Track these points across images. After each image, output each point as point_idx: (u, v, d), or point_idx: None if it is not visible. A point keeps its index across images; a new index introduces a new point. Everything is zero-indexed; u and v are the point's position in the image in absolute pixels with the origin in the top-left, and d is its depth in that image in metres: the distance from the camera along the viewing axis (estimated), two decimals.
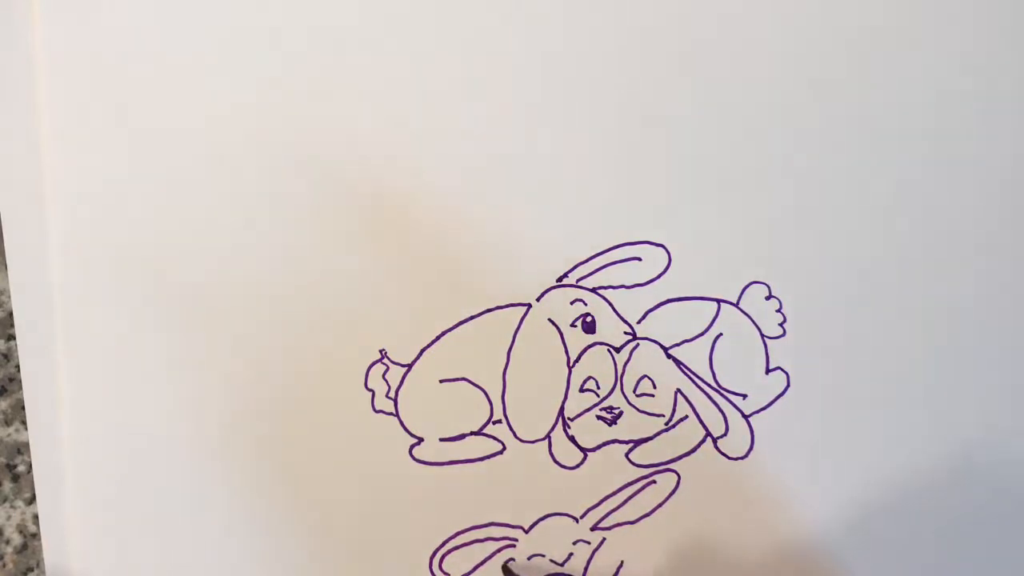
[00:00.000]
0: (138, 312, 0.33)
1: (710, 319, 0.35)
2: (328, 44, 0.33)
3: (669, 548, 0.35)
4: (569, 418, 0.34)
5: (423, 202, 0.34)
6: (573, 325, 0.34)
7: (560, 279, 0.34)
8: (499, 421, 0.34)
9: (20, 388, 0.34)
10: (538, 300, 0.34)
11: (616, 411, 0.34)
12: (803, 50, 0.35)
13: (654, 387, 0.35)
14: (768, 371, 0.35)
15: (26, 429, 0.34)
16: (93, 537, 0.34)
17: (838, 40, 0.35)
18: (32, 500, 0.34)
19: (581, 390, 0.34)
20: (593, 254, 0.34)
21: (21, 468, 0.35)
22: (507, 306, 0.34)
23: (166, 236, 0.33)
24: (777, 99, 0.35)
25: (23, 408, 0.34)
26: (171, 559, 0.34)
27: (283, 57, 0.33)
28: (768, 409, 0.35)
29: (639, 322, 0.34)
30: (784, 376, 0.35)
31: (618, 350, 0.34)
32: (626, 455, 0.35)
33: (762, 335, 0.35)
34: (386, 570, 0.34)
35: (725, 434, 0.35)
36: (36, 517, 0.34)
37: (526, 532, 0.35)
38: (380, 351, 0.34)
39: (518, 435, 0.34)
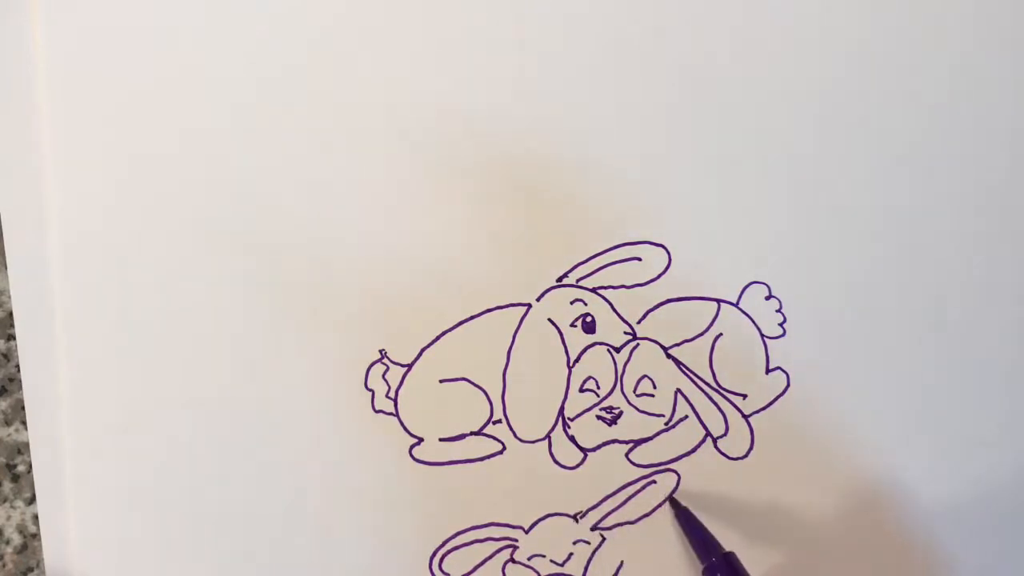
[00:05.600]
0: (138, 312, 0.33)
1: (710, 319, 0.35)
2: (329, 43, 0.33)
3: (669, 548, 0.35)
4: (569, 418, 0.34)
5: (422, 202, 0.34)
6: (573, 325, 0.34)
7: (560, 279, 0.34)
8: (499, 421, 0.34)
9: (20, 388, 0.34)
10: (538, 300, 0.34)
11: (616, 411, 0.34)
12: (803, 51, 0.35)
13: (654, 387, 0.35)
14: (768, 371, 0.35)
15: (26, 429, 0.34)
16: (93, 537, 0.34)
17: (838, 42, 0.35)
18: (32, 500, 0.34)
19: (581, 390, 0.34)
20: (593, 254, 0.34)
21: (21, 468, 0.35)
22: (507, 306, 0.34)
23: (166, 237, 0.33)
24: (777, 100, 0.35)
25: (23, 408, 0.34)
26: (171, 559, 0.34)
27: (284, 57, 0.33)
28: (768, 409, 0.35)
29: (639, 322, 0.34)
30: (784, 376, 0.35)
31: (618, 350, 0.34)
32: (626, 455, 0.35)
33: (762, 335, 0.35)
34: (386, 570, 0.34)
35: (725, 434, 0.35)
36: (36, 517, 0.34)
37: (526, 532, 0.35)
38: (380, 351, 0.34)
39: (518, 435, 0.34)
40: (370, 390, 0.34)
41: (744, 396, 0.35)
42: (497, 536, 0.34)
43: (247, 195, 0.33)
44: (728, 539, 0.35)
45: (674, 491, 0.35)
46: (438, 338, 0.34)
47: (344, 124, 0.33)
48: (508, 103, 0.34)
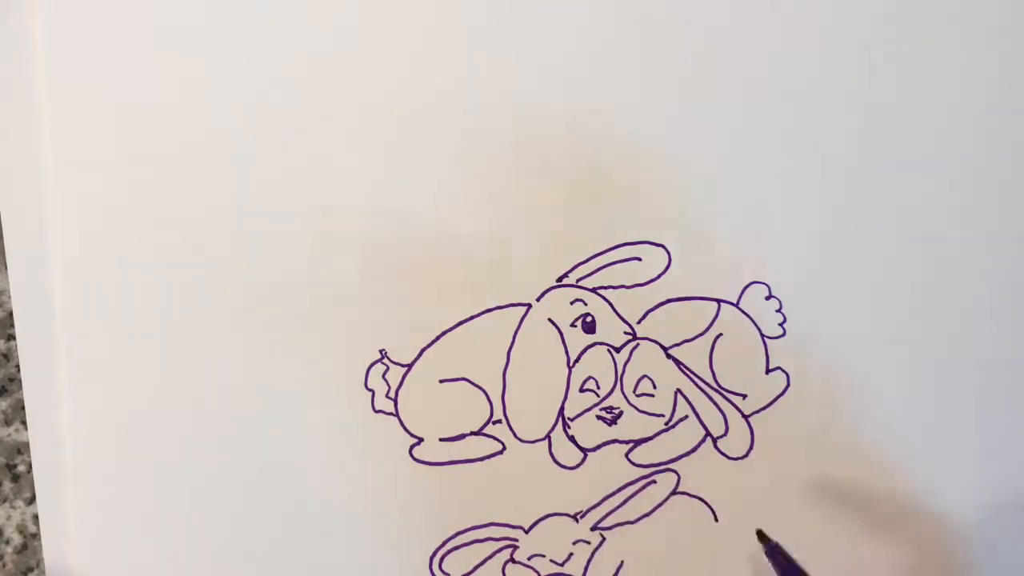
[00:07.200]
0: (138, 312, 0.33)
1: (710, 319, 0.35)
2: (330, 44, 0.33)
3: (669, 548, 0.35)
4: (569, 418, 0.34)
5: (423, 202, 0.34)
6: (573, 325, 0.34)
7: (560, 279, 0.34)
8: (499, 421, 0.34)
9: (20, 388, 0.34)
10: (538, 300, 0.34)
11: (616, 411, 0.34)
12: (803, 51, 0.34)
13: (654, 387, 0.35)
14: (768, 371, 0.35)
15: (26, 429, 0.34)
16: (93, 537, 0.34)
17: (838, 42, 0.35)
18: (32, 500, 0.34)
19: (581, 390, 0.34)
20: (593, 254, 0.34)
21: (21, 468, 0.35)
22: (507, 306, 0.34)
23: (166, 236, 0.33)
24: (778, 100, 0.35)
25: (23, 408, 0.34)
26: (171, 559, 0.34)
27: (284, 57, 0.33)
28: (768, 409, 0.35)
29: (639, 322, 0.34)
30: (784, 376, 0.35)
31: (618, 350, 0.34)
32: (626, 455, 0.35)
33: (762, 335, 0.35)
34: (386, 570, 0.34)
35: (725, 434, 0.35)
36: (36, 517, 0.34)
37: (526, 532, 0.35)
38: (380, 351, 0.34)
39: (518, 435, 0.34)
40: (370, 390, 0.34)
41: (744, 396, 0.35)
42: (497, 536, 0.34)
43: (247, 195, 0.33)
44: (728, 538, 0.35)
45: (673, 492, 0.35)
46: (438, 338, 0.34)
47: (344, 125, 0.33)
48: (509, 104, 0.34)
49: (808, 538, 0.35)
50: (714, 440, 0.35)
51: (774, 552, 0.33)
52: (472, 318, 0.34)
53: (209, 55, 0.33)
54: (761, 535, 0.34)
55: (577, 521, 0.35)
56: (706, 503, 0.35)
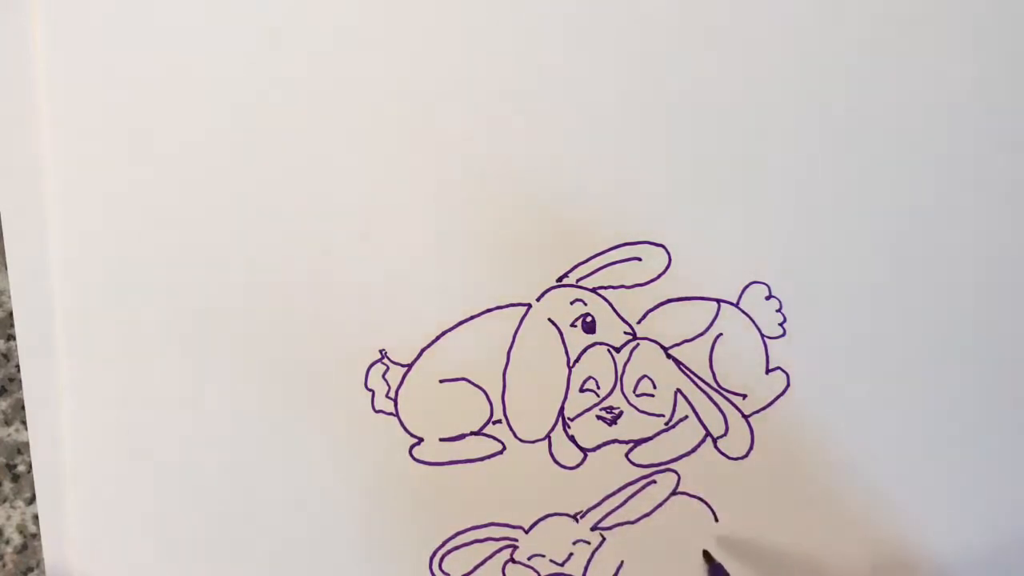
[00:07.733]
0: (138, 312, 0.33)
1: (710, 319, 0.35)
2: (330, 45, 0.33)
3: (669, 548, 0.35)
4: (569, 418, 0.34)
5: (422, 202, 0.34)
6: (573, 325, 0.34)
7: (560, 279, 0.34)
8: (499, 421, 0.34)
9: (20, 388, 0.34)
10: (538, 300, 0.34)
11: (616, 411, 0.34)
12: (804, 50, 0.34)
13: (654, 387, 0.35)
14: (768, 371, 0.35)
15: (26, 429, 0.34)
16: (93, 537, 0.34)
17: (838, 41, 0.35)
18: (32, 500, 0.34)
19: (581, 390, 0.34)
20: (593, 254, 0.34)
21: (21, 468, 0.35)
22: (507, 306, 0.34)
23: (166, 236, 0.33)
24: (778, 99, 0.34)
25: (23, 408, 0.34)
26: (171, 559, 0.34)
27: (284, 58, 0.33)
28: (768, 409, 0.35)
29: (639, 322, 0.34)
30: (784, 376, 0.35)
31: (618, 350, 0.34)
32: (626, 455, 0.35)
33: (762, 335, 0.35)
34: (386, 570, 0.34)
35: (725, 434, 0.35)
36: (36, 517, 0.34)
37: (526, 532, 0.35)
38: (380, 351, 0.34)
39: (518, 435, 0.34)
40: (370, 390, 0.34)
41: (744, 396, 0.35)
42: (497, 536, 0.34)
43: (247, 194, 0.33)
44: (727, 538, 0.35)
45: (674, 492, 0.35)
46: (438, 338, 0.34)
47: (344, 124, 0.33)
48: (509, 103, 0.34)
49: (808, 537, 0.35)
50: (714, 440, 0.35)
51: (718, 573, 0.33)
52: (472, 318, 0.34)
53: (209, 55, 0.33)
54: (706, 555, 0.34)
55: (577, 521, 0.35)
56: (706, 503, 0.35)
